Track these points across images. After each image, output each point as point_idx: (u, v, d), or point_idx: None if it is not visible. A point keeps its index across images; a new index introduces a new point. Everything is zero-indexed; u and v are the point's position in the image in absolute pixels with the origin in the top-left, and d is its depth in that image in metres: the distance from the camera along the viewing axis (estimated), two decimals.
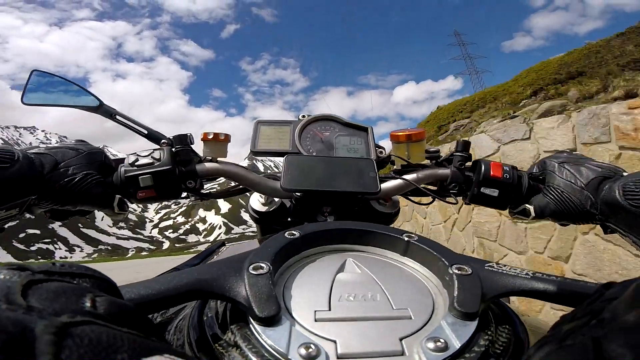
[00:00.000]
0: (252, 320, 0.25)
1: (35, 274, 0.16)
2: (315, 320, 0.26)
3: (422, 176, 0.67)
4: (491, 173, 0.62)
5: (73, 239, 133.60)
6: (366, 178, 0.58)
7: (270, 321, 0.24)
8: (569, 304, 0.26)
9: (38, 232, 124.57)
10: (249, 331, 0.25)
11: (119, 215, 0.58)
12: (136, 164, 0.57)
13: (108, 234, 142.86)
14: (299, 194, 0.59)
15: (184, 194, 0.63)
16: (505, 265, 0.30)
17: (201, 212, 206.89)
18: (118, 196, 0.56)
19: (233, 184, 0.72)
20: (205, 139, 0.66)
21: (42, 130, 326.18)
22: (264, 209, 0.70)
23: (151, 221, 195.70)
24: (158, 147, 0.62)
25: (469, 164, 0.68)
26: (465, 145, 0.68)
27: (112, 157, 0.61)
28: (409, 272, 0.33)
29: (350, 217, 0.60)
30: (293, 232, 0.34)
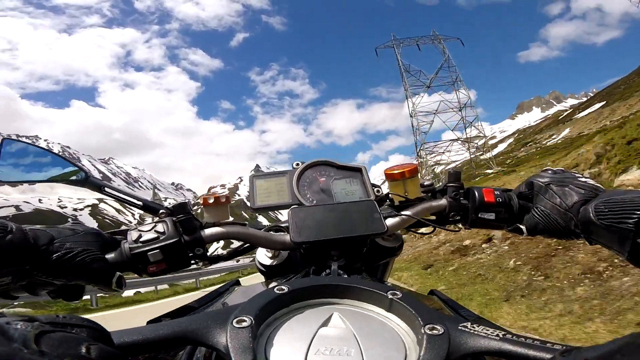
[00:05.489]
0: None
1: (44, 325, 0.21)
2: None
3: (422, 209, 0.70)
4: (485, 199, 0.66)
5: None
6: (371, 219, 0.60)
7: None
8: None
9: None
10: None
11: (114, 292, 0.58)
12: (140, 240, 0.56)
13: None
14: (309, 245, 0.59)
15: (193, 261, 0.62)
16: (479, 326, 0.31)
17: None
18: (118, 273, 0.56)
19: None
20: (205, 204, 0.65)
21: (45, 140, 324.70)
22: (272, 262, 0.70)
23: None
24: (157, 218, 0.62)
25: (461, 192, 0.72)
26: (457, 176, 0.72)
27: (107, 233, 0.60)
28: (391, 328, 0.34)
29: (358, 258, 0.64)
30: (282, 287, 0.36)
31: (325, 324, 0.33)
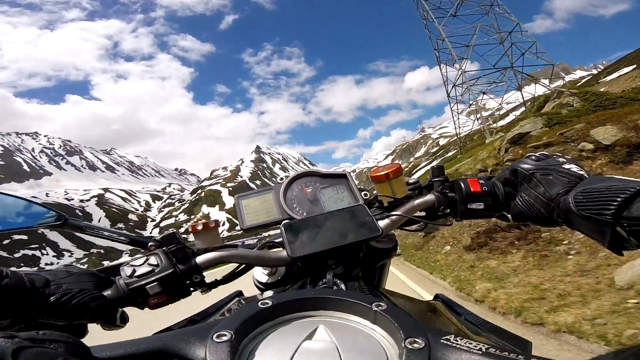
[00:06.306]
0: None
1: (23, 341, 0.22)
2: None
3: (411, 207, 0.71)
4: (471, 189, 0.66)
5: (64, 243, 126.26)
6: (365, 224, 0.60)
7: None
8: None
9: (25, 237, 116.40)
10: None
11: (119, 327, 0.57)
12: (135, 274, 0.56)
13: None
14: (306, 258, 0.60)
15: (192, 289, 0.62)
16: (462, 339, 0.30)
17: (205, 209, 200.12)
18: (120, 309, 0.56)
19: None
20: (195, 231, 0.65)
21: (45, 136, 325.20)
22: (270, 279, 0.70)
23: (153, 220, 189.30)
24: (147, 251, 0.62)
25: (447, 185, 0.72)
26: (441, 170, 0.73)
27: (99, 271, 0.60)
28: (376, 340, 0.34)
29: (355, 263, 0.65)
30: (266, 300, 0.36)
31: (309, 337, 0.33)
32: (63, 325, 0.53)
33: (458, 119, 38.93)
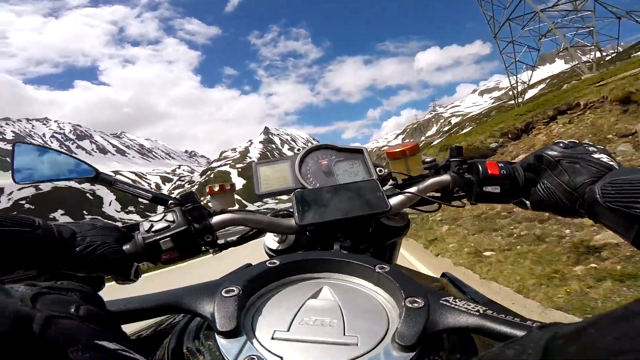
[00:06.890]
0: (216, 333, 0.29)
1: (42, 289, 0.24)
2: (272, 338, 0.30)
3: (425, 186, 0.69)
4: (489, 172, 0.64)
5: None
6: (374, 199, 0.60)
7: (228, 334, 0.29)
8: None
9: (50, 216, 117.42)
10: (211, 341, 0.30)
11: (131, 282, 0.60)
12: (152, 230, 0.58)
13: (114, 220, 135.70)
14: (314, 227, 0.60)
15: (204, 248, 0.65)
16: (460, 301, 0.31)
17: None
18: (135, 264, 0.58)
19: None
20: (212, 193, 0.68)
21: (55, 121, 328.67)
22: (280, 246, 0.72)
23: None
24: (167, 208, 0.64)
25: (465, 166, 0.70)
26: (459, 150, 0.71)
27: (122, 225, 0.63)
28: (377, 301, 0.35)
29: (364, 238, 0.65)
30: (274, 261, 0.38)
31: (314, 296, 0.35)
32: (82, 276, 0.54)
33: (515, 60, 32.59)
